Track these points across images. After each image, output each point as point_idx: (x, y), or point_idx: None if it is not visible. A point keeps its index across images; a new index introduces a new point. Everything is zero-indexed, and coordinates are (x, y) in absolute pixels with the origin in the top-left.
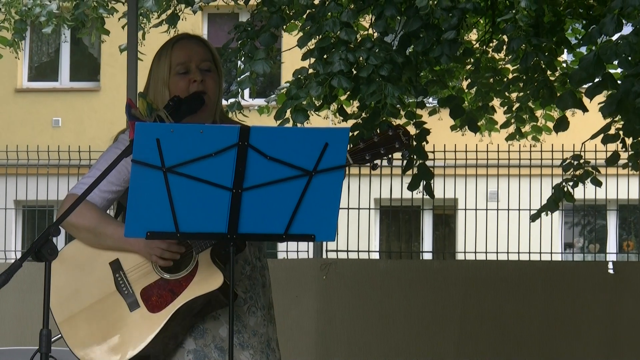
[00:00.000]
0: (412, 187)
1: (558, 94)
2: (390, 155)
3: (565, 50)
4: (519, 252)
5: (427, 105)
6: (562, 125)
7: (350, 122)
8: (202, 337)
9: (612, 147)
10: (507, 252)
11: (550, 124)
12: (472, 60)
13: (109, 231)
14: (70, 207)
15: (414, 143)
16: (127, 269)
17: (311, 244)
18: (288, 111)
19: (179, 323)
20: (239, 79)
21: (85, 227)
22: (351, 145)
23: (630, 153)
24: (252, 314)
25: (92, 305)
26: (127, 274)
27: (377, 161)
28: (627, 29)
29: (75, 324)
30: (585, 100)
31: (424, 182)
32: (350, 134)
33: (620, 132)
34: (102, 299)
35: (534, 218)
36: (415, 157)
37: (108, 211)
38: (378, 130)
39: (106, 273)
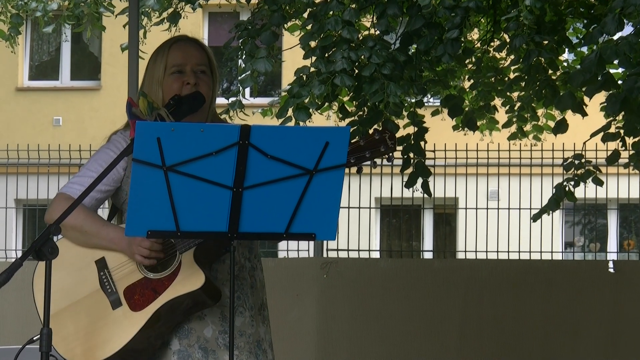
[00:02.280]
0: (409, 184)
1: (561, 93)
2: (375, 159)
3: (567, 50)
4: (519, 251)
5: (430, 105)
6: (561, 127)
7: (349, 121)
8: (186, 337)
9: (612, 146)
10: (508, 251)
11: (552, 123)
12: (473, 59)
13: (95, 230)
14: (69, 209)
15: (412, 141)
16: (111, 268)
17: (312, 243)
18: (290, 109)
19: (164, 322)
20: (240, 77)
21: (73, 226)
22: None
23: (631, 152)
24: (239, 314)
25: (77, 302)
26: (111, 272)
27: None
28: (628, 29)
29: (59, 320)
30: (586, 99)
31: (422, 180)
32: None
33: (621, 131)
34: (86, 297)
35: (535, 218)
36: (413, 154)
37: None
38: (371, 131)
39: (91, 271)
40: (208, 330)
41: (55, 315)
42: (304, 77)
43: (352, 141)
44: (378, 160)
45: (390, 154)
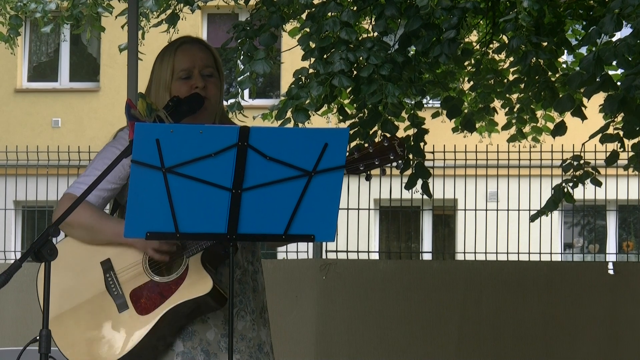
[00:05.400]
0: (409, 185)
1: (560, 95)
2: (384, 167)
3: (566, 52)
4: (518, 253)
5: (430, 107)
6: (560, 130)
7: (350, 123)
8: (190, 339)
9: (611, 147)
10: (507, 253)
11: (551, 125)
12: (472, 61)
13: (100, 225)
14: (70, 208)
15: (412, 142)
16: (117, 270)
17: (311, 244)
18: (289, 111)
19: (168, 325)
20: (239, 79)
21: (80, 224)
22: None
23: (631, 154)
24: (241, 318)
25: (82, 304)
26: (117, 274)
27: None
28: (627, 31)
29: (64, 322)
30: (585, 101)
31: (422, 181)
32: (350, 132)
33: (620, 132)
34: (91, 299)
35: (533, 219)
36: (413, 156)
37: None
38: (375, 139)
39: (97, 273)
40: (210, 333)
41: (61, 317)
42: (303, 78)
43: (361, 148)
44: (387, 169)
45: (399, 162)
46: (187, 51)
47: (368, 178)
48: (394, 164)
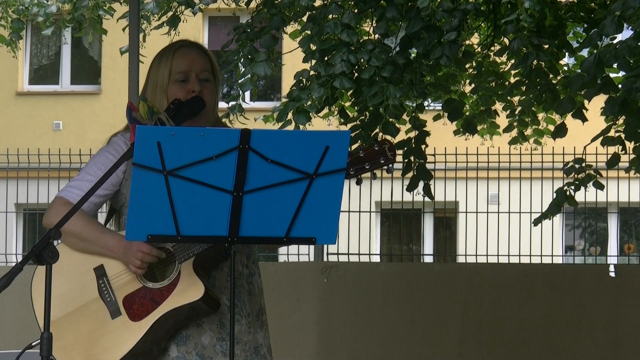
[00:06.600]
0: (410, 187)
1: (561, 97)
2: (375, 171)
3: (567, 54)
4: (519, 255)
5: (431, 109)
6: (560, 132)
7: (351, 125)
8: (184, 343)
9: (612, 149)
10: (508, 255)
11: (552, 127)
12: (474, 64)
13: (93, 237)
14: (68, 214)
15: (413, 145)
16: (110, 276)
17: (312, 246)
18: (290, 113)
19: (162, 331)
20: (240, 81)
21: (72, 232)
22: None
23: (632, 157)
24: (236, 322)
25: (75, 311)
26: (110, 280)
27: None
28: (627, 33)
29: (58, 329)
30: (586, 103)
31: (423, 183)
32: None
33: (622, 135)
34: (85, 305)
35: (536, 222)
36: (414, 158)
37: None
38: (365, 144)
39: (90, 279)
40: (206, 337)
41: (54, 324)
42: (304, 80)
43: (352, 152)
44: (377, 172)
45: (390, 166)
46: (186, 54)
47: (359, 182)
48: (385, 167)
